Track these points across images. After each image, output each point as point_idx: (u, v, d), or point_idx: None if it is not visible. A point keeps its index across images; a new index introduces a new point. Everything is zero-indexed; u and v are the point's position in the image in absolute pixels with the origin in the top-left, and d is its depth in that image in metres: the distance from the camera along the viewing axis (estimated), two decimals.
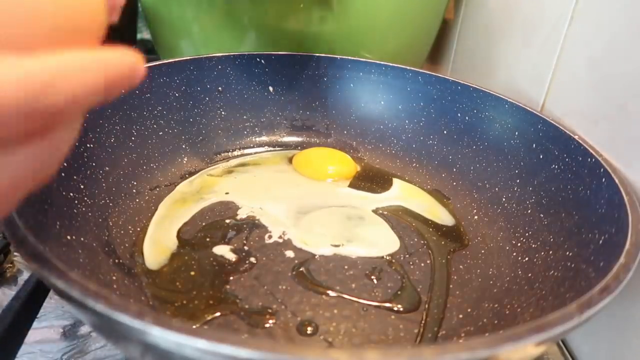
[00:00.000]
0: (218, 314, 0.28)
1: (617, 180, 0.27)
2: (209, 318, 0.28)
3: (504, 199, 0.37)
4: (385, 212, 0.39)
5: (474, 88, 0.41)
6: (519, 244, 0.33)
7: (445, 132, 0.43)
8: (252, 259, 0.32)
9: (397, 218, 0.38)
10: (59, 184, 0.29)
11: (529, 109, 0.37)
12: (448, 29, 0.61)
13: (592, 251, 0.26)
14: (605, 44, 0.33)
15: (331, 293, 0.30)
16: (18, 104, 0.12)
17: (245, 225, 0.36)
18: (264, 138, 0.47)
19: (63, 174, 0.29)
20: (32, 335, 0.25)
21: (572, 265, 0.27)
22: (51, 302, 0.32)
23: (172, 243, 0.33)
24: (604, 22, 0.33)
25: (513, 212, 0.36)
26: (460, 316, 0.29)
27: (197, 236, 0.34)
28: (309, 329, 0.28)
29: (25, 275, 0.35)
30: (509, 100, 0.39)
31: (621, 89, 0.31)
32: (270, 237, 0.35)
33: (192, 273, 0.31)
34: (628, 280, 0.21)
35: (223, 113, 0.45)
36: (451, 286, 0.32)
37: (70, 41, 0.14)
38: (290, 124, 0.48)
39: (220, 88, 0.45)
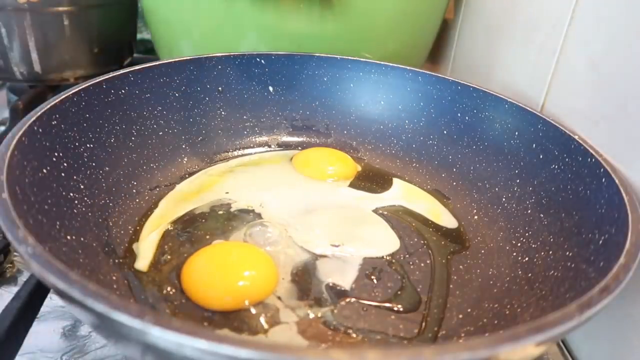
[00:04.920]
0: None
1: (617, 180, 0.27)
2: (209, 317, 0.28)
3: (504, 199, 0.37)
4: (385, 212, 0.39)
5: (474, 88, 0.41)
6: (519, 244, 0.33)
7: (445, 132, 0.43)
8: None
9: (397, 218, 0.38)
10: (59, 184, 0.29)
11: (529, 109, 0.37)
12: (448, 29, 0.61)
13: (592, 251, 0.26)
14: (605, 44, 0.33)
15: (331, 293, 0.30)
16: None
17: (245, 225, 0.36)
18: (264, 138, 0.47)
19: (63, 174, 0.29)
20: (32, 335, 0.25)
21: (572, 265, 0.27)
22: (51, 302, 0.32)
23: (171, 242, 0.33)
24: (604, 22, 0.33)
25: (513, 212, 0.36)
26: (460, 316, 0.29)
27: (197, 235, 0.34)
28: (309, 329, 0.28)
29: (25, 275, 0.35)
30: (509, 100, 0.39)
31: (621, 89, 0.31)
32: (270, 236, 0.35)
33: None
34: (628, 280, 0.21)
35: (223, 113, 0.45)
36: (451, 286, 0.32)
37: None
38: (290, 124, 0.48)
39: (220, 88, 0.45)
